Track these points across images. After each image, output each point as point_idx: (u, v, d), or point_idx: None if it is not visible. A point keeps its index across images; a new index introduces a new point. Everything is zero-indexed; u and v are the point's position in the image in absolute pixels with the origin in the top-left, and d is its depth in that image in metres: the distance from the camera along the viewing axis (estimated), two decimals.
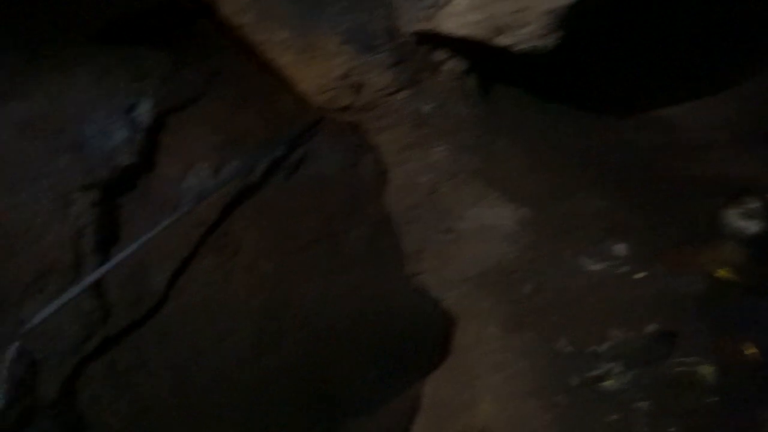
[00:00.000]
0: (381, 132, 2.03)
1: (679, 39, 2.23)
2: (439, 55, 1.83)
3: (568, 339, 1.49)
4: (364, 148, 3.88)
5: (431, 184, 2.09)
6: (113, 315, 2.67)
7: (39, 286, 2.20)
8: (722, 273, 1.61)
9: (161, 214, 2.95)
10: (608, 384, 1.33)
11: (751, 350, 1.39)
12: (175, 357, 3.00)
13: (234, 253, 3.36)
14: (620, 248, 1.73)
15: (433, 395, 1.77)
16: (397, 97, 1.89)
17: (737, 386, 1.25)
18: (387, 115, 1.96)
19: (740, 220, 1.65)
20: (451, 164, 2.06)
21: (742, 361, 1.29)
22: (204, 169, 3.11)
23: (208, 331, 3.22)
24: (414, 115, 1.96)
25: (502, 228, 1.94)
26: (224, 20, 1.93)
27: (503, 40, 1.46)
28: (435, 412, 1.72)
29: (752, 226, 1.61)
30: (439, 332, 3.77)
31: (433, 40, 1.72)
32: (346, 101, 1.90)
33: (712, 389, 1.24)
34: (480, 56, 1.84)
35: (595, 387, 1.33)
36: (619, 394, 1.30)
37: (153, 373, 2.84)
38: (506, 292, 1.74)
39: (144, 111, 2.71)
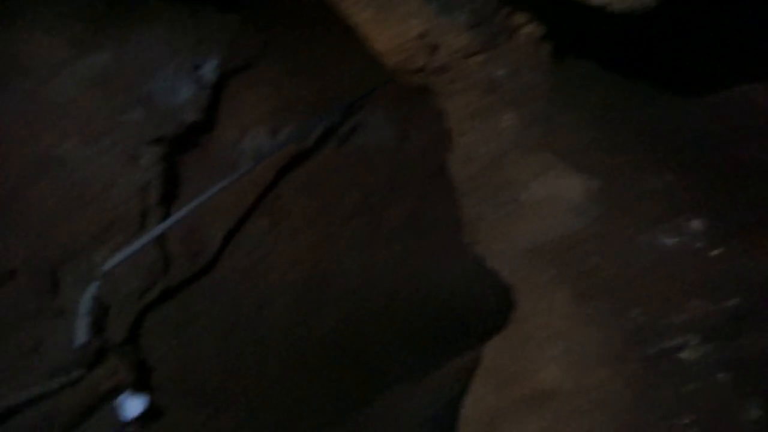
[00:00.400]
0: (450, 97, 2.01)
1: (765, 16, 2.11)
2: (519, 18, 1.79)
3: (641, 310, 1.46)
4: (416, 119, 3.89)
5: (496, 152, 2.06)
6: (172, 268, 2.76)
7: (108, 234, 2.28)
8: None
9: (219, 173, 3.03)
10: (686, 355, 1.31)
11: None
12: (220, 318, 3.09)
13: (284, 218, 3.43)
14: (696, 224, 1.68)
15: (491, 362, 1.78)
16: (471, 60, 1.86)
17: None
18: (459, 79, 1.94)
19: None
20: (518, 133, 2.03)
21: None
22: (261, 132, 3.16)
23: (250, 296, 3.30)
24: (486, 80, 1.94)
25: (568, 200, 1.90)
26: None
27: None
28: (493, 378, 1.72)
29: None
30: (490, 304, 3.77)
31: (516, 1, 1.69)
32: (420, 62, 1.89)
33: None
34: (559, 21, 1.80)
35: (672, 357, 1.31)
36: (698, 366, 1.28)
37: (201, 330, 2.94)
38: (572, 263, 1.72)
39: (209, 70, 2.75)
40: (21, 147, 2.01)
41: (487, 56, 1.86)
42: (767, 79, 2.10)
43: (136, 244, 2.06)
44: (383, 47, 1.83)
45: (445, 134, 3.99)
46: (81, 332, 1.71)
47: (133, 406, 1.73)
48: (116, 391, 1.71)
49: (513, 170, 2.02)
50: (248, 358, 2.99)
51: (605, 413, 1.24)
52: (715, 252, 1.60)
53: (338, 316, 3.56)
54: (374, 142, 3.78)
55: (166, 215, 2.69)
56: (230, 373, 2.86)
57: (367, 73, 3.41)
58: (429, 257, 4.06)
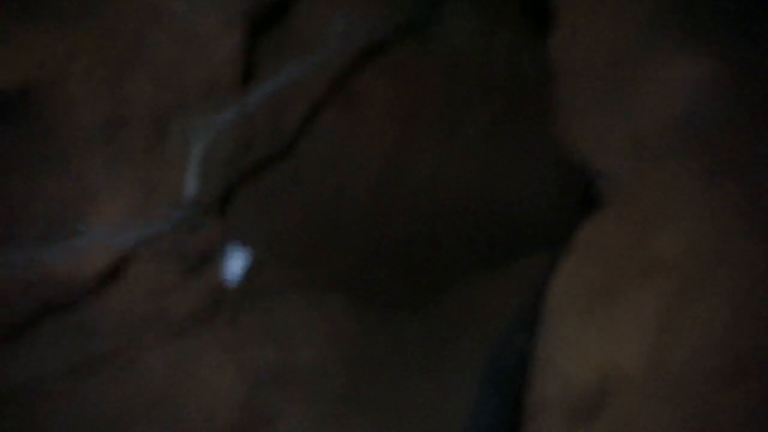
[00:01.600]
0: None
1: None
2: None
3: None
4: (502, 18, 3.73)
5: (610, 29, 1.95)
6: (256, 142, 2.80)
7: (208, 93, 2.30)
8: None
9: (302, 52, 2.99)
10: None
11: None
12: (301, 196, 3.16)
13: (361, 107, 3.40)
14: None
15: (590, 237, 1.75)
16: None
17: None
18: None
19: None
20: (638, 9, 1.90)
21: None
22: (344, 19, 3.08)
23: (329, 181, 3.36)
24: None
25: (696, 82, 1.81)
26: None
27: None
28: (593, 251, 1.70)
29: None
30: (544, 229, 3.76)
31: None
32: None
33: None
34: None
35: None
36: None
37: (283, 204, 3.02)
38: (700, 146, 1.66)
39: None
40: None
41: None
42: None
43: (237, 108, 2.08)
44: None
45: (532, 42, 3.84)
46: (193, 182, 1.76)
47: (238, 258, 1.81)
48: (225, 243, 1.79)
49: (630, 50, 1.92)
50: (329, 240, 3.09)
51: (748, 274, 1.23)
52: None
53: (412, 210, 3.62)
54: (459, 39, 3.66)
55: (253, 88, 2.69)
56: (312, 247, 2.97)
57: None
58: (505, 171, 4.05)
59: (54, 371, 1.43)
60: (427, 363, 2.10)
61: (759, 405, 1.05)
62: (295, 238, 2.95)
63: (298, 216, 3.10)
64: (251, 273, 2.04)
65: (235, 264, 1.82)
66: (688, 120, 1.82)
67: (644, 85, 1.96)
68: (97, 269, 1.57)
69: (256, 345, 1.65)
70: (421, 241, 3.63)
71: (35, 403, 1.42)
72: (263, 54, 2.92)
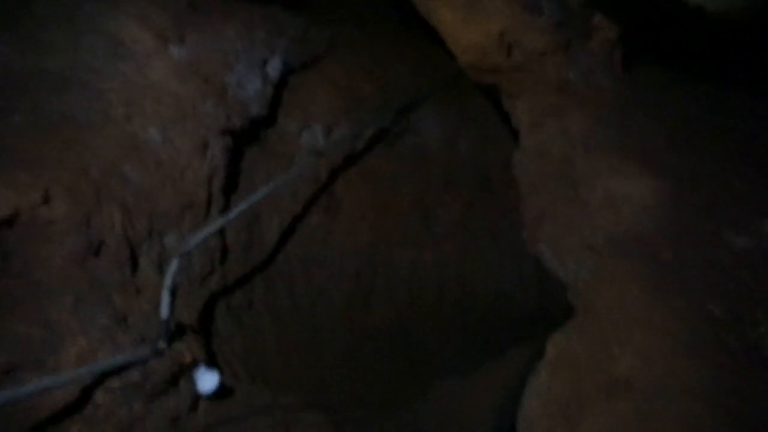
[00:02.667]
0: (520, 96, 2.07)
1: None
2: (598, 20, 1.85)
3: (722, 305, 1.50)
4: (465, 123, 3.97)
5: (564, 151, 2.11)
6: (230, 256, 2.86)
7: (181, 218, 2.38)
8: None
9: (277, 166, 3.12)
10: None
11: None
12: (277, 306, 3.18)
13: (336, 215, 3.51)
14: None
15: (559, 351, 1.81)
16: (546, 60, 1.92)
17: None
18: (531, 79, 2.00)
19: None
20: (587, 134, 2.08)
21: None
22: (318, 129, 3.26)
23: (306, 286, 3.40)
24: (558, 80, 1.99)
25: (638, 199, 1.94)
26: None
27: None
28: (563, 366, 1.75)
29: None
30: (549, 296, 3.79)
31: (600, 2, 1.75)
32: (496, 61, 1.95)
33: None
34: (635, 24, 1.85)
35: (757, 349, 1.34)
36: None
37: (259, 315, 3.03)
38: (645, 259, 1.75)
39: (275, 67, 2.85)
40: (116, 128, 2.11)
41: (564, 57, 1.92)
42: None
43: (210, 228, 2.15)
44: (462, 45, 1.90)
45: (493, 140, 4.07)
46: (165, 306, 1.79)
47: (208, 380, 1.80)
48: (194, 365, 1.79)
49: (584, 169, 2.07)
50: (305, 346, 3.08)
51: (694, 400, 1.27)
52: None
53: (390, 308, 3.64)
54: (425, 144, 3.87)
55: (227, 204, 2.79)
56: (289, 356, 2.94)
57: (423, 74, 3.51)
58: (477, 258, 4.14)
59: None
60: None
61: None
62: (269, 351, 2.94)
63: (273, 325, 3.10)
64: (223, 393, 2.02)
65: (207, 385, 1.80)
66: (632, 233, 1.94)
67: (593, 202, 2.09)
68: (61, 406, 1.56)
69: None
70: (399, 339, 3.62)
71: None
72: (245, 165, 3.05)
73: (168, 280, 1.80)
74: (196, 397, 1.89)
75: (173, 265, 1.86)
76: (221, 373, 2.01)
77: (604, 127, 2.07)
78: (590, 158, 2.08)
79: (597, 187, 2.05)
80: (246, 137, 2.92)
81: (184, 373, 1.82)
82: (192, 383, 1.85)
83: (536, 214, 2.27)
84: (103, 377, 1.66)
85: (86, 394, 1.62)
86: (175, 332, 1.98)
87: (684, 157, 2.00)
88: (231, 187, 2.90)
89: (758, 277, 1.59)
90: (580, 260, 2.11)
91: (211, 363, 2.17)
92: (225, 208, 2.71)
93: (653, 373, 1.42)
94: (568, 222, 2.15)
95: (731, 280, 1.59)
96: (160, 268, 2.21)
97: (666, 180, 1.93)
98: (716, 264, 1.66)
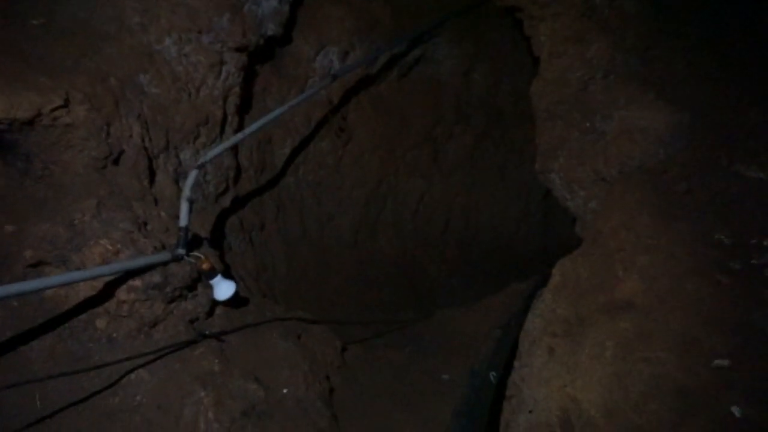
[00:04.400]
0: (543, 21, 2.02)
1: None
2: None
3: (728, 232, 1.53)
4: (481, 56, 3.88)
5: (583, 80, 2.08)
6: (243, 176, 2.89)
7: (196, 132, 2.39)
8: None
9: (292, 87, 3.10)
10: None
11: None
12: (287, 229, 3.24)
13: (347, 140, 3.52)
14: None
15: (564, 275, 1.87)
16: None
17: None
18: (555, 2, 1.95)
19: None
20: (608, 62, 2.05)
21: None
22: (333, 52, 3.20)
23: (316, 211, 3.45)
24: (583, 4, 1.94)
25: (654, 131, 1.94)
26: None
27: None
28: (566, 289, 1.82)
29: None
30: (522, 247, 3.85)
31: None
32: None
33: None
34: None
35: (761, 273, 1.39)
36: None
37: (269, 236, 3.10)
38: (656, 189, 1.78)
39: None
40: (132, 37, 2.09)
41: None
42: None
43: (225, 144, 2.16)
44: None
45: (508, 73, 3.99)
46: (184, 216, 1.83)
47: (225, 287, 1.86)
48: (211, 273, 1.85)
49: (602, 98, 2.05)
50: (313, 268, 3.17)
51: (693, 316, 1.33)
52: None
53: (396, 237, 3.72)
54: (438, 74, 3.81)
55: (241, 123, 2.79)
56: (298, 279, 3.04)
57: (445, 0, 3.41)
58: (484, 193, 4.18)
59: (44, 394, 1.49)
60: (408, 395, 2.17)
61: None
62: (281, 271, 3.03)
63: (284, 245, 3.18)
64: (239, 302, 2.10)
65: (224, 292, 1.87)
66: (646, 165, 1.95)
67: (608, 132, 2.09)
68: (86, 300, 1.63)
69: (238, 380, 1.71)
70: (405, 266, 3.72)
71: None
72: (259, 85, 3.03)
73: (186, 191, 1.83)
74: (213, 303, 1.97)
75: (191, 177, 1.89)
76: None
77: (626, 55, 2.04)
78: (609, 87, 2.06)
79: (614, 117, 2.05)
80: (261, 56, 2.88)
81: (202, 279, 1.89)
82: (209, 289, 1.92)
83: (550, 144, 2.28)
84: (126, 277, 1.73)
85: (110, 290, 1.69)
86: (192, 242, 2.04)
87: (704, 87, 1.98)
88: (245, 106, 2.89)
89: (766, 208, 1.61)
90: (591, 192, 2.14)
91: (229, 274, 2.25)
92: (239, 128, 2.71)
93: (655, 293, 1.47)
94: (581, 152, 2.16)
95: (740, 210, 1.62)
96: (177, 181, 2.25)
97: (684, 111, 1.92)
98: (726, 195, 1.68)
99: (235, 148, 2.80)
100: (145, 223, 1.88)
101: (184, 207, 1.85)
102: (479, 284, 3.61)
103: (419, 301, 3.43)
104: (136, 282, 1.71)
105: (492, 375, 1.82)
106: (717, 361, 1.23)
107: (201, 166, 2.04)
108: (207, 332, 1.85)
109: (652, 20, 2.09)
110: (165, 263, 1.76)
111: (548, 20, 2.03)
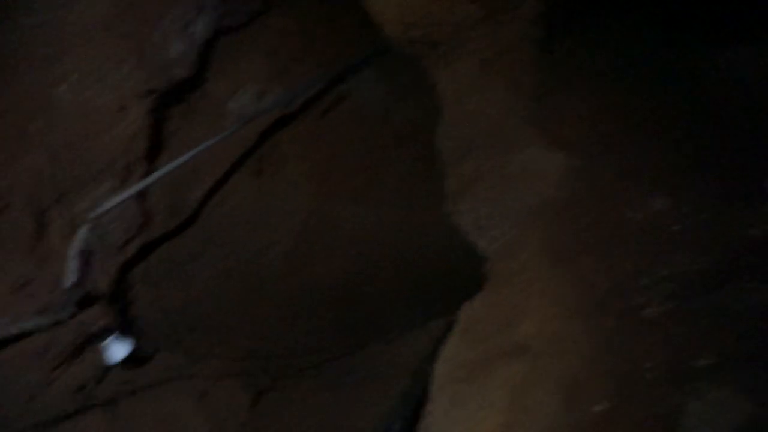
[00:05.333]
0: (444, 68, 2.09)
1: None
2: None
3: (612, 273, 1.60)
4: (408, 89, 3.96)
5: (485, 124, 2.16)
6: (152, 223, 2.78)
7: (96, 182, 2.29)
8: (756, 233, 1.72)
9: (205, 131, 3.04)
10: (648, 312, 1.45)
11: None
12: (208, 271, 3.13)
13: (272, 176, 3.46)
14: (662, 202, 1.83)
15: (470, 318, 1.89)
16: (471, 33, 1.94)
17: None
18: (456, 51, 2.02)
19: None
20: (507, 107, 2.13)
21: None
22: (249, 92, 3.18)
23: (242, 246, 3.35)
24: (482, 53, 2.02)
25: (549, 173, 2.02)
26: None
27: None
28: (471, 333, 1.84)
29: None
30: (471, 267, 3.91)
31: None
32: (419, 33, 1.96)
33: (748, 323, 1.37)
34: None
35: (638, 314, 1.45)
36: (658, 322, 1.43)
37: (187, 281, 2.98)
38: (549, 231, 1.85)
39: (201, 27, 2.74)
40: (29, 82, 1.99)
41: (487, 31, 1.94)
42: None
43: (124, 194, 2.08)
44: (386, 17, 1.89)
45: (433, 109, 4.09)
46: (71, 273, 1.74)
47: (118, 349, 1.77)
48: (103, 334, 1.75)
49: (501, 142, 2.12)
50: (241, 307, 3.06)
51: (577, 359, 1.37)
52: (677, 227, 1.75)
53: (333, 267, 3.66)
54: (364, 109, 3.85)
55: (150, 169, 2.70)
56: (223, 321, 2.93)
57: (363, 39, 3.46)
58: (419, 222, 4.20)
59: None
60: None
61: None
62: (202, 314, 2.91)
63: (204, 291, 3.06)
64: (138, 361, 2.00)
65: (116, 354, 1.77)
66: (545, 206, 2.02)
67: (512, 174, 2.17)
68: None
69: None
70: (340, 296, 3.66)
71: None
72: (170, 129, 2.95)
73: (75, 247, 1.74)
74: (105, 366, 1.86)
75: (82, 232, 1.80)
76: (138, 340, 1.99)
77: (524, 100, 2.12)
78: (509, 131, 2.14)
79: (514, 160, 2.12)
80: (171, 99, 2.82)
81: (91, 341, 1.78)
82: (100, 352, 1.81)
83: (458, 185, 2.33)
84: (4, 343, 1.61)
85: None
86: (86, 300, 1.94)
87: (596, 131, 2.08)
88: (154, 150, 2.81)
89: (648, 249, 1.70)
90: (499, 232, 2.19)
91: (128, 330, 2.14)
92: (147, 173, 2.62)
93: (546, 336, 1.51)
94: (489, 193, 2.22)
95: (625, 249, 1.69)
96: (71, 234, 2.13)
97: (577, 155, 2.01)
98: (615, 235, 1.76)
99: (143, 194, 2.70)
100: (28, 283, 1.76)
101: (71, 264, 1.76)
102: (421, 308, 3.61)
103: (357, 329, 3.39)
104: (14, 350, 1.60)
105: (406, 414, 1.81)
106: (597, 407, 1.26)
107: (96, 218, 1.95)
108: (94, 402, 1.74)
109: (547, 68, 2.19)
110: (46, 328, 1.66)
111: (449, 67, 2.10)
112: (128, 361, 1.85)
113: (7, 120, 1.94)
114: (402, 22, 1.87)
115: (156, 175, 2.17)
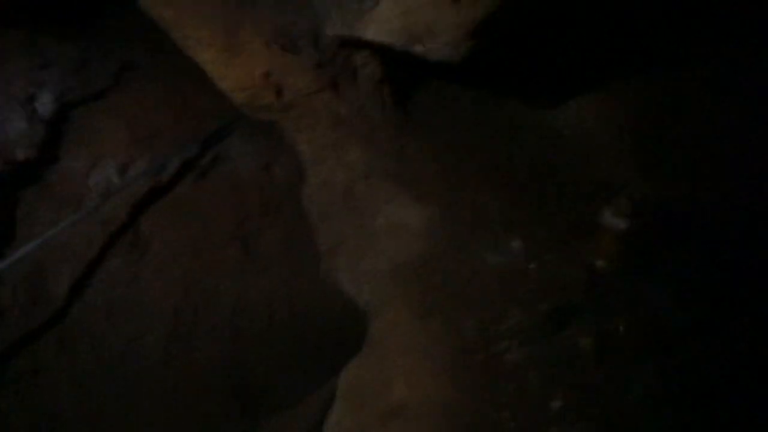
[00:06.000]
0: (300, 132, 2.11)
1: (576, 44, 2.39)
2: (359, 59, 1.95)
3: (473, 322, 1.65)
4: (278, 150, 3.94)
5: (346, 183, 2.19)
6: (5, 320, 2.51)
7: None
8: (602, 262, 1.86)
9: (64, 211, 2.82)
10: (509, 358, 1.50)
11: (621, 326, 1.64)
12: (76, 366, 2.86)
13: (143, 253, 3.27)
14: (516, 243, 1.93)
15: (350, 383, 1.86)
16: (316, 98, 1.97)
17: (612, 356, 1.48)
18: (306, 116, 2.04)
19: (613, 218, 1.92)
20: (365, 165, 2.18)
21: (616, 335, 1.53)
22: (111, 166, 3.01)
23: (115, 335, 3.11)
24: (332, 116, 2.06)
25: (411, 226, 2.08)
26: (144, 11, 1.92)
27: (419, 49, 1.60)
28: (352, 398, 1.80)
29: (622, 223, 1.88)
30: (352, 326, 3.88)
31: (355, 44, 1.83)
32: (267, 100, 1.96)
33: (591, 357, 1.45)
34: (398, 62, 1.98)
35: (497, 361, 1.49)
36: (516, 367, 1.48)
37: (51, 382, 2.70)
38: (417, 283, 1.88)
39: (45, 102, 2.58)
40: None
41: (332, 95, 1.99)
42: (581, 106, 2.41)
43: None
44: (228, 86, 1.88)
45: (297, 169, 4.10)
46: None
47: None
48: None
49: (362, 200, 2.16)
50: (116, 401, 2.80)
51: (445, 417, 1.38)
52: (532, 266, 1.85)
53: (216, 343, 3.47)
54: (238, 172, 3.76)
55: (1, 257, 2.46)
56: (97, 418, 2.66)
57: (228, 103, 3.41)
58: (304, 281, 4.12)
59: None
60: None
61: None
62: (69, 419, 2.64)
63: (72, 390, 2.79)
64: None
65: None
66: (409, 259, 2.07)
67: (377, 230, 2.20)
68: None
69: None
70: (227, 375, 3.48)
71: None
72: (22, 212, 2.71)
73: None
74: None
75: None
76: None
77: (380, 157, 2.18)
78: (370, 188, 2.18)
79: (378, 215, 2.16)
80: (19, 181, 2.60)
81: None
82: None
83: (329, 244, 2.33)
84: None
85: None
86: None
87: (450, 182, 2.17)
88: (5, 238, 2.56)
89: (506, 291, 1.77)
90: (372, 287, 2.20)
91: None
92: None
93: (416, 397, 1.51)
94: (359, 250, 2.23)
95: (484, 297, 1.76)
96: None
97: (435, 206, 2.09)
98: (473, 282, 1.83)
99: None
100: None
101: None
102: (312, 372, 3.50)
103: (247, 408, 3.21)
104: None
105: None
106: None
107: None
108: None
109: (401, 124, 2.27)
110: None
111: (304, 131, 2.11)
112: None
113: None
114: (242, 89, 1.87)
115: (6, 261, 1.96)
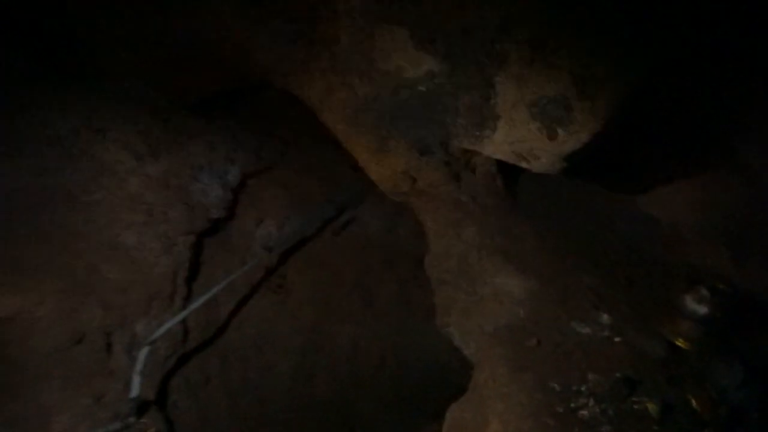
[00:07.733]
0: (427, 212, 2.64)
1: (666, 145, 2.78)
2: (478, 160, 2.47)
3: (558, 380, 2.02)
4: (400, 217, 4.56)
5: (462, 255, 2.67)
6: (189, 336, 3.26)
7: (149, 307, 2.81)
8: (679, 342, 2.17)
9: (236, 256, 3.60)
10: (584, 413, 1.86)
11: (695, 399, 1.93)
12: (230, 380, 3.56)
13: (286, 295, 3.98)
14: (604, 317, 2.28)
15: (454, 420, 2.29)
16: (442, 188, 2.52)
17: (674, 422, 1.78)
18: (433, 200, 2.58)
19: (694, 304, 2.21)
20: (479, 241, 2.65)
21: (680, 403, 1.82)
22: (271, 224, 3.78)
23: (256, 362, 3.80)
24: (454, 201, 2.58)
25: (514, 294, 2.50)
26: (324, 122, 2.62)
27: (525, 164, 2.08)
28: (456, 430, 2.23)
29: (701, 309, 2.17)
30: (457, 372, 4.26)
31: (475, 153, 2.37)
32: (404, 188, 2.53)
33: (655, 421, 1.77)
34: (509, 164, 2.49)
35: (575, 415, 1.86)
36: (591, 421, 1.83)
37: (214, 390, 3.40)
38: (515, 344, 2.28)
39: (234, 175, 3.39)
40: (99, 233, 2.57)
41: (455, 186, 2.52)
42: (670, 201, 2.75)
43: (177, 318, 2.58)
44: (377, 177, 2.49)
45: (415, 238, 4.66)
46: (135, 387, 2.19)
47: None
48: None
49: (475, 269, 2.63)
50: (254, 418, 3.44)
51: None
52: (616, 339, 2.20)
53: (333, 380, 4.05)
54: (367, 233, 4.43)
55: (189, 292, 3.23)
56: (239, 427, 3.30)
57: (365, 175, 4.12)
58: (413, 332, 4.61)
59: None
60: None
61: None
62: (223, 423, 3.30)
63: (226, 398, 3.47)
64: None
65: None
66: (509, 322, 2.48)
67: (484, 295, 2.65)
68: None
69: None
70: (341, 409, 4.02)
71: None
72: (207, 256, 3.52)
73: (139, 365, 2.21)
74: None
75: (143, 352, 2.28)
76: None
77: (491, 235, 2.66)
78: (481, 260, 2.65)
79: (487, 283, 2.61)
80: (208, 233, 3.41)
81: None
82: None
83: (444, 304, 2.81)
84: None
85: None
86: (141, 409, 2.38)
87: (549, 259, 2.59)
88: (193, 276, 3.35)
89: (589, 358, 2.14)
90: (479, 343, 2.64)
91: None
92: (188, 296, 3.15)
93: None
94: (467, 311, 2.69)
95: (570, 361, 2.13)
96: (130, 352, 2.62)
97: (535, 279, 2.51)
98: (562, 347, 2.20)
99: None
100: (102, 396, 2.22)
101: (135, 380, 2.22)
102: (414, 418, 3.92)
103: None
104: None
105: None
106: None
107: (152, 342, 2.44)
108: None
109: (509, 208, 2.75)
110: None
111: (430, 211, 2.66)
112: None
113: (84, 263, 2.49)
114: (387, 180, 2.46)
115: (200, 300, 2.67)
